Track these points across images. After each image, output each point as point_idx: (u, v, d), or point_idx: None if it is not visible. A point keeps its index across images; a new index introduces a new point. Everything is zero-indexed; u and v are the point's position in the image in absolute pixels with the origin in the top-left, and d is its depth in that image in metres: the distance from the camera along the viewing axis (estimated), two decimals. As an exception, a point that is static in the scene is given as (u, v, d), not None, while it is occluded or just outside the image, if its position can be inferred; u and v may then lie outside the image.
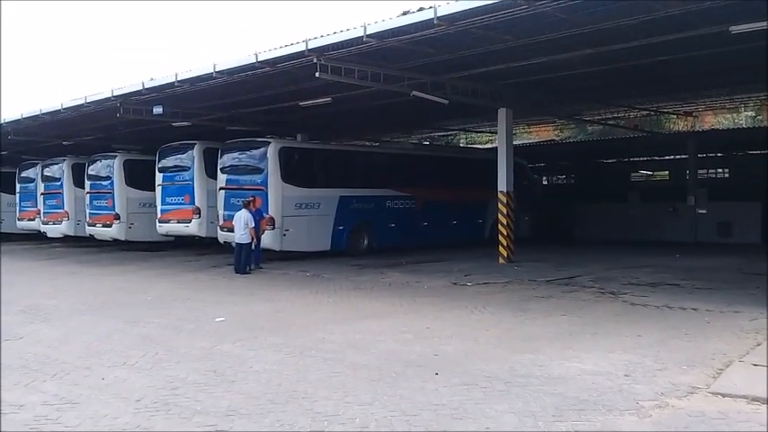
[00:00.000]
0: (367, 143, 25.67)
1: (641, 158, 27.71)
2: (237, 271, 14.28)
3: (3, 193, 26.32)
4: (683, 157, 23.45)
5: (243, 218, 14.27)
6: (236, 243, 14.41)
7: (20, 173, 25.15)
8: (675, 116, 24.41)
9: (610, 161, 28.87)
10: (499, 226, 15.94)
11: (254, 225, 14.22)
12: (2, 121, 19.78)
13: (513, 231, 16.04)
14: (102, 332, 8.49)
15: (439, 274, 13.37)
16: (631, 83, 15.59)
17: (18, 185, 25.14)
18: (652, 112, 22.70)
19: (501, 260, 15.60)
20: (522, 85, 14.92)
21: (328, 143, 20.57)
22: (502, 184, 15.91)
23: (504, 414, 4.91)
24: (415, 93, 13.69)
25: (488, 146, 28.19)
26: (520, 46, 11.26)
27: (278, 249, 16.00)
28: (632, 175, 28.50)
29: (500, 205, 15.91)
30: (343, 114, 19.23)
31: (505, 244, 15.74)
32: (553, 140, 33.05)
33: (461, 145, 33.45)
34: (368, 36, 10.50)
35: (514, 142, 28.47)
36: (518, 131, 30.59)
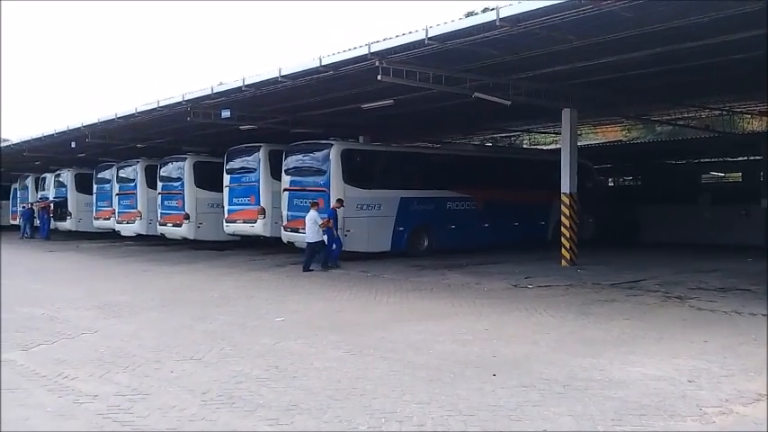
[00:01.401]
0: (428, 144, 25.65)
1: (712, 159, 26.66)
2: (305, 269, 14.73)
3: (80, 194, 27.62)
4: (756, 158, 22.46)
5: (311, 218, 14.69)
6: (306, 242, 14.89)
7: (96, 174, 26.31)
8: (750, 116, 23.41)
9: (679, 162, 27.90)
10: (562, 228, 15.71)
11: (320, 223, 14.69)
12: (81, 125, 20.75)
13: (577, 233, 15.78)
14: (171, 327, 8.86)
15: (499, 276, 13.29)
16: (702, 82, 15.08)
17: (95, 186, 26.31)
18: (725, 112, 21.85)
19: (563, 263, 15.36)
20: (588, 85, 14.65)
21: (390, 145, 20.69)
22: (565, 186, 15.67)
23: (562, 417, 4.89)
24: (476, 94, 13.64)
25: (553, 147, 27.76)
26: (585, 46, 11.07)
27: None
28: (703, 176, 27.46)
29: (563, 207, 15.68)
30: (405, 116, 19.31)
31: (568, 246, 15.50)
32: (620, 141, 32.22)
33: (525, 146, 33.04)
34: (430, 39, 10.54)
35: (580, 143, 27.98)
36: (584, 132, 29.96)
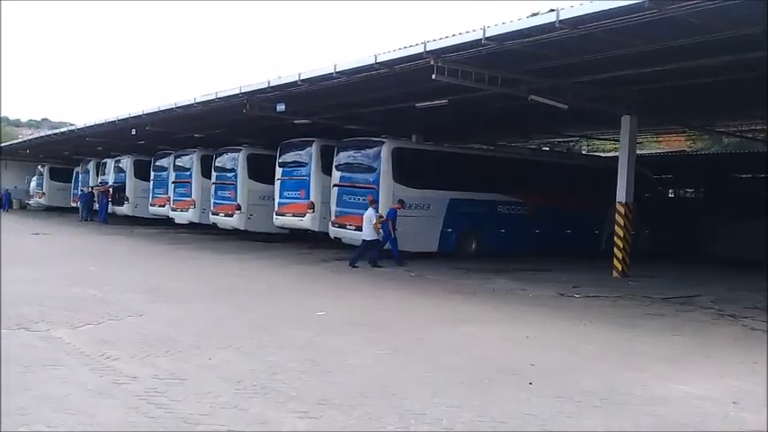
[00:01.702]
0: (482, 146, 25.38)
1: (781, 175, 25.51)
2: (351, 265, 14.94)
3: (138, 180, 28.44)
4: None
5: (368, 216, 14.91)
6: (362, 240, 15.14)
7: (154, 162, 27.05)
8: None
9: (745, 176, 26.83)
10: (615, 238, 15.31)
11: (375, 221, 14.85)
12: (142, 113, 21.35)
13: (630, 244, 15.34)
14: (214, 316, 9.00)
15: (546, 284, 13.02)
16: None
17: (152, 173, 27.05)
18: (796, 126, 20.89)
19: (615, 273, 14.96)
20: (650, 91, 14.19)
21: (442, 145, 20.55)
22: (621, 195, 15.27)
23: (596, 430, 4.72)
24: (533, 97, 13.40)
25: (612, 154, 27.08)
26: (648, 51, 10.73)
27: (386, 248, 16.18)
28: (770, 191, 26.30)
29: (617, 216, 15.28)
30: (460, 116, 19.14)
31: (620, 257, 15.08)
32: (683, 151, 31.22)
33: (584, 152, 32.37)
34: (486, 39, 10.38)
35: (640, 152, 27.21)
36: (645, 141, 29.15)
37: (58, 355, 6.58)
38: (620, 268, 15.03)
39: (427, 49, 11.30)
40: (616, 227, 15.29)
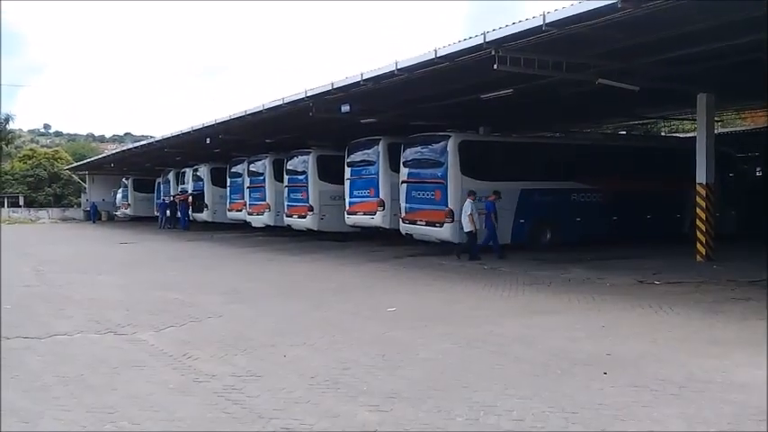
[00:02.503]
0: (552, 134, 24.82)
1: None
2: (471, 258, 15.15)
3: (215, 187, 29.39)
4: None
5: (465, 208, 15.14)
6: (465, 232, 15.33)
7: (230, 168, 27.88)
8: None
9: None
10: (697, 221, 14.69)
11: (470, 212, 15.00)
12: (214, 122, 22.05)
13: (714, 227, 14.69)
14: (288, 314, 9.24)
15: (625, 271, 12.62)
16: None
17: (228, 180, 27.89)
18: None
19: (698, 258, 14.38)
20: (725, 68, 13.50)
21: (510, 135, 20.25)
22: (701, 176, 14.67)
23: (672, 418, 4.59)
24: (600, 81, 13.01)
25: (691, 134, 25.96)
26: (719, 25, 10.23)
27: (457, 242, 16.12)
28: None
29: (698, 198, 14.67)
30: (527, 105, 18.77)
31: (704, 240, 14.48)
32: (771, 127, 29.50)
33: (663, 133, 31.15)
34: (547, 25, 10.15)
35: (723, 130, 25.92)
36: (727, 118, 27.79)
37: (143, 356, 6.92)
38: (703, 252, 14.43)
39: (487, 40, 11.13)
40: (698, 209, 14.71)
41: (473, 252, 15.29)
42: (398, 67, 13.22)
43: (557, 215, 17.38)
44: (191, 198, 30.80)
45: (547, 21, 10.07)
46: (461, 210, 15.26)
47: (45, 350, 7.18)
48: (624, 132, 28.84)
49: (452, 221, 15.83)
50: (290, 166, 22.90)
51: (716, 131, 17.76)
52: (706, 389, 5.25)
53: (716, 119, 20.50)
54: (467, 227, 15.12)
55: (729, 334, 7.32)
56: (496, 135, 19.43)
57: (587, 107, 20.46)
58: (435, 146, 16.75)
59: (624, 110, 22.41)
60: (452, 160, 16.03)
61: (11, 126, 55.15)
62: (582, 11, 9.52)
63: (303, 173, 22.02)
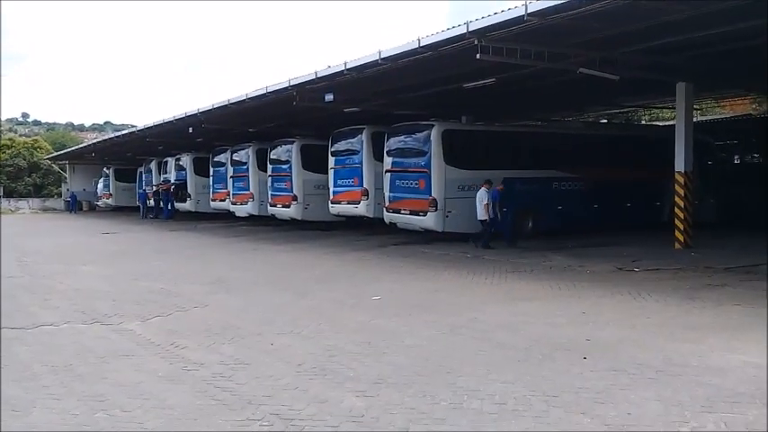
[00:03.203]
0: (534, 123, 25.02)
1: None
2: (483, 246, 15.26)
3: (198, 176, 29.26)
4: None
5: (479, 197, 15.31)
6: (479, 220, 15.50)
7: (213, 158, 27.74)
8: None
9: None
10: (675, 209, 14.95)
11: (487, 202, 15.17)
12: (197, 111, 21.94)
13: (693, 215, 14.96)
14: (275, 303, 9.32)
15: (605, 259, 12.85)
16: None
17: (211, 169, 27.76)
18: None
19: (677, 245, 14.64)
20: (704, 57, 13.72)
21: (492, 124, 20.39)
22: (679, 164, 14.91)
23: (650, 401, 4.75)
24: (582, 70, 13.16)
25: (671, 123, 26.28)
26: (698, 15, 10.40)
27: (440, 231, 16.27)
28: None
29: (677, 187, 14.92)
30: (510, 95, 18.95)
31: (682, 228, 14.75)
32: (749, 115, 29.90)
33: (644, 122, 31.44)
34: (529, 15, 10.25)
35: (702, 118, 26.21)
36: (705, 106, 28.16)
37: (130, 345, 6.98)
38: (682, 240, 14.70)
39: (470, 30, 11.23)
40: (676, 197, 14.95)
41: (485, 240, 15.38)
42: (382, 56, 13.27)
43: (539, 204, 17.56)
44: (173, 188, 30.64)
45: (528, 11, 10.18)
46: (479, 199, 15.36)
47: (33, 340, 7.22)
48: (605, 121, 29.12)
49: (436, 210, 15.97)
50: (273, 155, 22.86)
51: (695, 120, 18.06)
52: (682, 372, 5.43)
53: (695, 107, 20.83)
54: (481, 215, 15.29)
55: (705, 319, 7.53)
56: (479, 124, 19.55)
57: (569, 96, 20.65)
58: (419, 135, 16.84)
59: (605, 99, 22.67)
60: (436, 149, 16.14)
61: (-12, 115, 54.19)
62: (563, 1, 9.64)
63: (287, 162, 22.00)
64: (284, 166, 22.13)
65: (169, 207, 31.07)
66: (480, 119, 20.28)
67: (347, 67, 14.29)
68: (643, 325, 7.27)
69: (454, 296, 9.56)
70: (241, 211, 25.28)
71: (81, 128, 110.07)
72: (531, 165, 17.63)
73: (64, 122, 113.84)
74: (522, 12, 10.23)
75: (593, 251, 14.29)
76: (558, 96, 20.62)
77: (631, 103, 25.39)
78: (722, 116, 29.58)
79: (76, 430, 4.60)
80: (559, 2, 9.74)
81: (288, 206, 21.81)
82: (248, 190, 24.46)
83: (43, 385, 5.57)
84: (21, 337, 7.35)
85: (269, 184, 22.96)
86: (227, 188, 26.09)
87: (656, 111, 29.19)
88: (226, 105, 20.05)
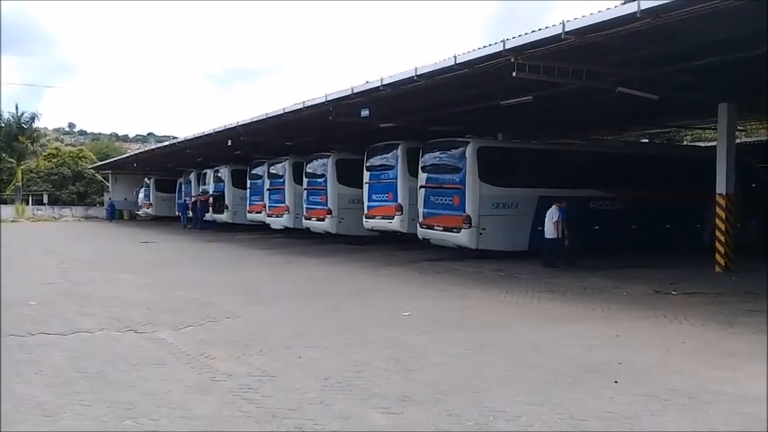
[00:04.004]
0: (572, 141, 24.76)
1: None
2: (546, 264, 15.11)
3: (236, 188, 29.66)
4: None
5: (549, 215, 15.25)
6: (545, 237, 15.39)
7: (250, 170, 28.11)
8: None
9: None
10: (716, 232, 14.60)
11: (556, 220, 15.06)
12: (236, 124, 22.31)
13: (735, 238, 14.60)
14: (305, 316, 9.35)
15: (641, 281, 12.58)
16: None
17: (248, 181, 28.12)
18: None
19: (717, 269, 14.29)
20: (746, 77, 13.42)
21: (529, 142, 20.25)
22: (721, 186, 14.59)
23: (681, 428, 4.61)
24: (620, 89, 13.02)
25: (713, 143, 25.71)
26: (742, 35, 10.20)
27: (474, 248, 16.17)
28: None
29: (718, 209, 14.59)
30: (547, 112, 18.77)
31: (723, 251, 14.39)
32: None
33: (686, 142, 30.86)
34: (566, 33, 10.18)
35: (746, 139, 25.59)
36: (750, 128, 27.50)
37: (162, 354, 7.07)
38: (722, 263, 14.34)
39: (506, 47, 11.21)
40: (717, 220, 14.61)
41: (553, 259, 15.19)
42: (418, 73, 13.33)
43: (575, 223, 17.29)
44: (211, 199, 31.12)
45: (566, 29, 10.11)
46: (549, 216, 15.18)
47: (68, 346, 7.37)
48: (646, 140, 28.66)
49: (470, 227, 15.88)
50: (309, 168, 23.08)
51: (738, 141, 17.65)
52: (716, 400, 5.27)
53: (739, 128, 20.38)
54: (550, 233, 15.15)
55: (743, 346, 7.30)
56: (516, 141, 19.44)
57: (609, 114, 20.42)
58: (454, 151, 16.82)
59: (646, 118, 22.32)
60: (471, 166, 16.08)
61: (36, 125, 56.03)
62: (601, 20, 9.56)
63: (322, 176, 22.18)
64: (319, 180, 22.31)
65: (198, 217, 31.87)
66: (517, 136, 20.18)
67: (383, 83, 14.39)
68: (678, 349, 7.09)
69: (485, 314, 9.47)
70: (276, 223, 25.52)
71: (125, 138, 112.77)
72: (568, 184, 17.39)
73: (108, 133, 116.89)
74: (559, 30, 10.17)
75: (629, 273, 13.99)
76: (597, 115, 20.40)
77: (673, 122, 24.97)
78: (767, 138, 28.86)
79: (104, 436, 4.67)
80: (597, 20, 9.66)
81: (322, 220, 21.96)
82: (284, 203, 24.70)
83: (75, 391, 5.67)
84: (56, 343, 7.52)
85: (304, 197, 23.16)
86: (263, 200, 26.38)
87: (698, 131, 28.63)
88: (263, 119, 20.34)
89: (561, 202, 15.31)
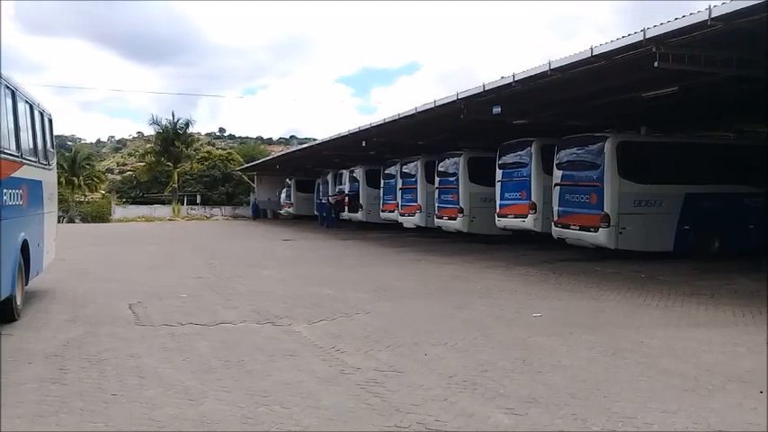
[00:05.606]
0: (722, 134, 22.95)
1: None
2: None
3: (370, 188, 30.40)
4: None
5: None
6: None
7: (384, 170, 28.72)
8: None
9: None
10: None
11: None
12: (369, 125, 22.88)
13: None
14: (433, 314, 9.44)
15: (803, 285, 11.46)
16: None
17: (382, 181, 28.76)
18: None
19: None
20: None
21: (674, 135, 19.04)
22: None
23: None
24: (775, 77, 11.94)
25: None
26: None
27: (613, 248, 15.47)
28: None
29: None
30: (694, 104, 17.55)
31: None
32: None
33: None
34: (713, 20, 9.50)
35: None
36: None
37: (296, 346, 7.43)
38: None
39: (647, 37, 10.64)
40: None
41: None
42: (552, 67, 12.96)
43: (727, 222, 16.11)
44: (347, 198, 32.12)
45: (713, 15, 9.44)
46: None
47: (213, 337, 7.93)
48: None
49: (608, 226, 15.21)
50: (441, 167, 23.16)
51: None
52: None
53: None
54: None
55: None
56: (659, 135, 18.36)
57: (762, 105, 18.71)
58: (591, 147, 16.18)
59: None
60: (610, 162, 15.40)
61: (190, 130, 60.78)
62: (751, 4, 8.82)
63: (454, 174, 22.17)
64: (451, 179, 22.32)
65: (332, 216, 33.15)
66: (660, 130, 19.02)
67: (515, 79, 14.14)
68: (840, 362, 6.41)
69: (621, 318, 9.06)
70: (409, 222, 25.86)
71: (269, 141, 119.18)
72: (719, 179, 16.20)
73: (254, 136, 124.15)
74: (705, 16, 9.51)
75: (788, 276, 12.80)
76: (751, 105, 18.76)
77: None
78: None
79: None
80: (747, 5, 8.93)
81: (454, 218, 21.96)
82: (416, 202, 24.98)
83: (217, 378, 6.11)
84: (202, 333, 8.12)
85: (436, 196, 23.28)
86: (396, 200, 26.85)
87: None
88: (396, 120, 20.67)
89: None
